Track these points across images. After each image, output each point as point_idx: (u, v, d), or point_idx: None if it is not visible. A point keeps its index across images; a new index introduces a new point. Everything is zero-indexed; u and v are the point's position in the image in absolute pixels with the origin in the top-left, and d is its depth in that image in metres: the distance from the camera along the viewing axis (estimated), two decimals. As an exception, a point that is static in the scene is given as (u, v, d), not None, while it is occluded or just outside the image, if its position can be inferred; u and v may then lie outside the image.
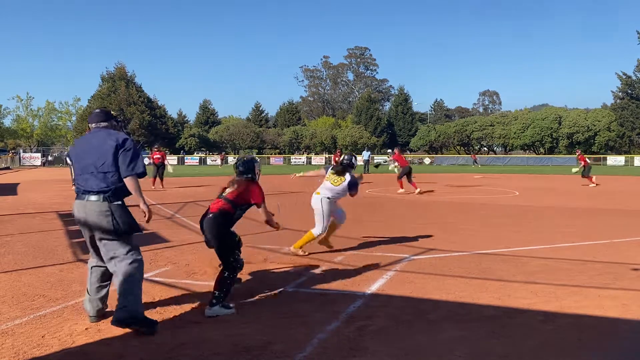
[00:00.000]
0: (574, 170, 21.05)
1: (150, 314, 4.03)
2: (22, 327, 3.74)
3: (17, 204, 13.02)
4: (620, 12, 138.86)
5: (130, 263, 3.74)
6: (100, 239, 3.73)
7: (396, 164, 17.31)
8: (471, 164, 52.67)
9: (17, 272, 5.43)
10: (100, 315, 3.88)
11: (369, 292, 4.67)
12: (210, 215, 4.26)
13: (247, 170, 4.53)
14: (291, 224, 9.05)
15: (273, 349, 3.30)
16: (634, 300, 4.34)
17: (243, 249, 6.37)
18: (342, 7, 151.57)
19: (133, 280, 3.72)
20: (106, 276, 3.91)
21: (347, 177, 6.34)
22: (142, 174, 3.82)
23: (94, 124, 3.94)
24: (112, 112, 4.12)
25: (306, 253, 6.29)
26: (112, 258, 3.74)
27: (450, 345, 3.37)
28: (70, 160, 4.12)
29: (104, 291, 3.91)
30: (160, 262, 5.95)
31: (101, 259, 3.84)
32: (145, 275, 5.17)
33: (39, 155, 52.53)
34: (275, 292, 4.68)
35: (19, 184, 21.67)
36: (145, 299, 4.40)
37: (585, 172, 20.38)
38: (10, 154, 53.85)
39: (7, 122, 66.05)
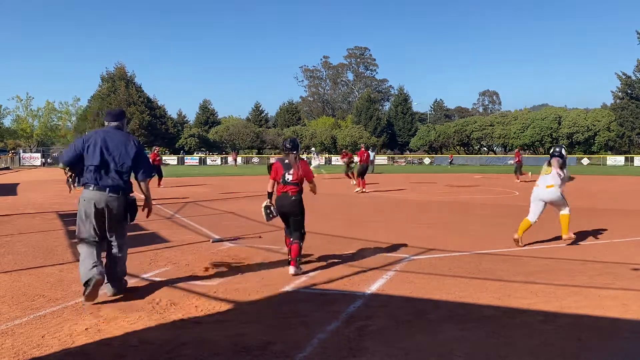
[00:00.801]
0: (509, 162, 22.66)
1: (150, 314, 4.03)
2: (22, 327, 3.73)
3: (17, 204, 13.03)
4: (620, 12, 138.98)
5: (126, 244, 4.64)
6: (113, 224, 4.43)
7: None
8: (447, 164, 52.76)
9: (17, 272, 5.43)
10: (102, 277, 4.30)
11: (368, 292, 4.67)
12: (294, 197, 5.41)
13: (294, 147, 5.59)
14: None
15: (273, 349, 3.30)
16: (634, 300, 4.34)
17: (243, 250, 6.40)
18: (342, 7, 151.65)
19: (126, 256, 4.65)
20: (98, 256, 4.43)
21: (554, 163, 6.91)
22: (153, 176, 4.79)
23: (106, 122, 4.61)
24: (122, 110, 4.86)
25: (573, 236, 7.11)
26: (118, 238, 4.51)
27: (450, 346, 3.37)
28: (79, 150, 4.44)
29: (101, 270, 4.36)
30: (160, 262, 5.94)
31: (99, 243, 4.42)
32: (145, 275, 5.25)
33: (38, 155, 52.50)
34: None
35: (18, 184, 21.68)
36: (145, 299, 4.43)
37: (516, 169, 22.68)
38: (10, 154, 53.86)
39: (7, 122, 66.02)
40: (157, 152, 19.43)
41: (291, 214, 5.44)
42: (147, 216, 4.71)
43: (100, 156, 4.32)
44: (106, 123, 4.58)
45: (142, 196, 4.65)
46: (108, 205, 4.33)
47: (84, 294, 4.22)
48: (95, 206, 4.31)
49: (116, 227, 4.45)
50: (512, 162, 22.94)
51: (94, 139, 4.40)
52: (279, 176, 5.48)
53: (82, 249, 4.37)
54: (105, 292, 4.48)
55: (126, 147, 4.40)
